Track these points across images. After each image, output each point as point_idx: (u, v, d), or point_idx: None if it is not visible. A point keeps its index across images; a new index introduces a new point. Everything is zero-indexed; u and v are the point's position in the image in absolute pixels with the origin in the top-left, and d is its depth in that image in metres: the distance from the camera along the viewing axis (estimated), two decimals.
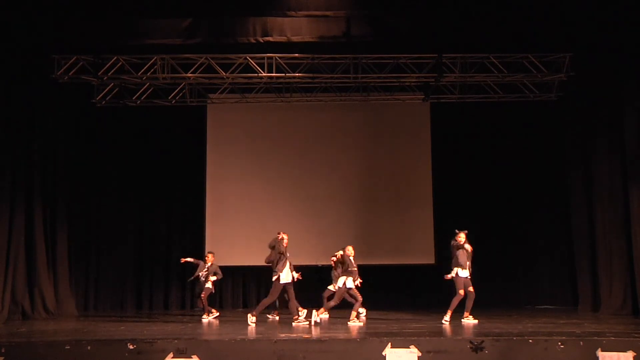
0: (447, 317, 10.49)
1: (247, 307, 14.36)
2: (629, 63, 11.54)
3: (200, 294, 11.99)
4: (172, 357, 8.16)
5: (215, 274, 11.96)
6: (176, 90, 13.56)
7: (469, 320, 10.72)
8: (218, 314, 12.03)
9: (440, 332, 9.53)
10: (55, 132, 13.18)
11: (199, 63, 12.29)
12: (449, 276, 10.80)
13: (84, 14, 11.38)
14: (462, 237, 10.92)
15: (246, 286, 14.68)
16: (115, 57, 12.13)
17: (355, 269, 11.08)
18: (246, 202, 14.43)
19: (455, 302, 10.65)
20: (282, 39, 11.66)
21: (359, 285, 11.24)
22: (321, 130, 14.61)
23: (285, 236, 10.84)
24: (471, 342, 8.24)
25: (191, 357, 8.15)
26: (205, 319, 11.62)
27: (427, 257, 13.75)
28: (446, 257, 13.07)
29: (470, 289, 10.71)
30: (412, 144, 14.54)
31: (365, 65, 12.49)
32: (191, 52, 12.17)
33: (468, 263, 10.79)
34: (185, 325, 10.98)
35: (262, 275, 13.02)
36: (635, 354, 8.01)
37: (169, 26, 11.62)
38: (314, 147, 14.56)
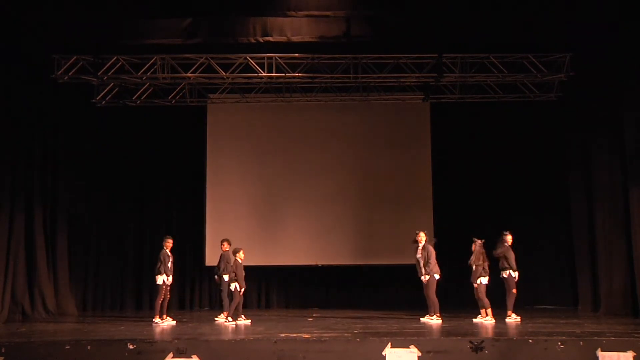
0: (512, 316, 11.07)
1: (246, 307, 14.34)
2: (629, 63, 11.54)
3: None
4: (172, 357, 8.17)
5: None
6: (176, 90, 13.57)
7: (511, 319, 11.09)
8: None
9: (440, 332, 9.54)
10: (55, 132, 13.18)
11: (199, 63, 12.29)
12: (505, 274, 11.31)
13: (84, 14, 11.38)
14: (509, 237, 11.31)
15: (246, 286, 14.63)
16: (115, 57, 12.13)
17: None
18: (246, 202, 14.44)
19: (511, 300, 11.17)
20: (282, 39, 11.65)
21: None
22: (321, 130, 14.60)
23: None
24: (471, 342, 8.25)
25: (191, 357, 8.16)
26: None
27: None
28: (447, 257, 13.09)
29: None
30: (412, 144, 14.53)
31: (365, 65, 12.48)
32: (191, 52, 12.16)
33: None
34: (185, 325, 10.99)
35: (262, 275, 13.02)
36: (635, 354, 8.03)
37: (169, 26, 11.62)
38: (314, 147, 14.54)
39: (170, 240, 11.55)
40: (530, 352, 8.20)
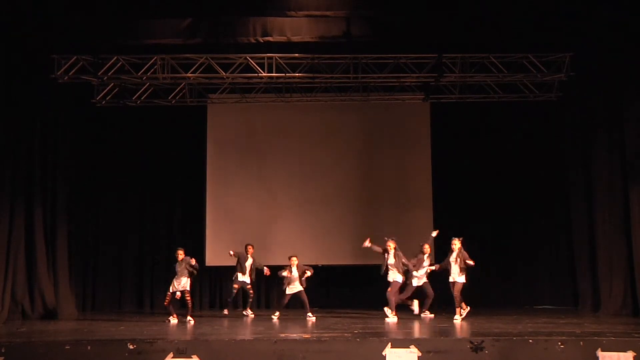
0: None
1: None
2: (629, 63, 11.54)
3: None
4: (172, 357, 8.18)
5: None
6: (176, 90, 13.57)
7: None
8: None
9: (440, 332, 9.54)
10: (55, 132, 13.17)
11: (199, 63, 12.29)
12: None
13: (84, 13, 11.38)
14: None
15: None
16: (115, 57, 12.12)
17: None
18: (246, 202, 14.44)
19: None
20: (282, 39, 11.66)
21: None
22: (321, 130, 14.61)
23: (391, 243, 11.80)
24: (471, 342, 8.25)
25: (191, 357, 8.16)
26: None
27: None
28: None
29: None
30: (412, 143, 14.52)
31: (365, 65, 12.48)
32: (191, 52, 12.16)
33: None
34: (185, 325, 10.99)
35: (262, 275, 12.98)
36: (635, 354, 8.04)
37: (169, 26, 11.62)
38: (314, 147, 14.55)
39: (178, 251, 11.87)
40: (530, 352, 8.21)
